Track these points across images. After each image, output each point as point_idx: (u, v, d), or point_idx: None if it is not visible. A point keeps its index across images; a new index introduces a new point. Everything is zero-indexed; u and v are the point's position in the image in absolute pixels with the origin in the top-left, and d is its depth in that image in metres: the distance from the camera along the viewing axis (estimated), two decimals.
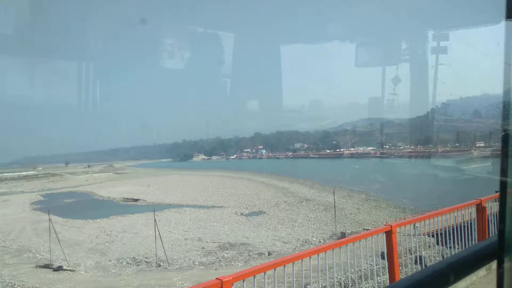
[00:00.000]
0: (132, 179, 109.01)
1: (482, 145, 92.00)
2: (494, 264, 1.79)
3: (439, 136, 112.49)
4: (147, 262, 29.22)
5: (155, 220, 32.94)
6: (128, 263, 29.34)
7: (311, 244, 32.38)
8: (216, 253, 30.85)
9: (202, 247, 32.72)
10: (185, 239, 35.98)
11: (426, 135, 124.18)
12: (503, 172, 1.78)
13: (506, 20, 1.56)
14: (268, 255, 28.51)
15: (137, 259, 30.00)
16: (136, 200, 63.46)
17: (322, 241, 32.64)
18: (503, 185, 1.76)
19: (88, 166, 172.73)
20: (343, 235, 30.78)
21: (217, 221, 43.04)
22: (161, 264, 28.70)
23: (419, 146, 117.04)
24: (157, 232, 34.08)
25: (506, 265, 1.76)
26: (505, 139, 1.92)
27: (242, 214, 47.49)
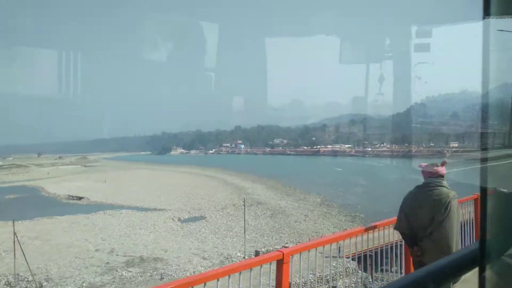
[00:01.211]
0: (96, 173, 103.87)
1: (456, 145, 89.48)
2: (475, 272, 1.72)
3: (415, 135, 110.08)
4: (28, 281, 24.95)
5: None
6: (6, 283, 25.07)
7: (233, 260, 28.48)
8: (117, 270, 26.74)
9: (107, 262, 28.58)
10: (96, 250, 31.81)
11: (403, 133, 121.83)
12: (482, 175, 1.69)
13: (483, 19, 1.54)
14: (160, 279, 24.46)
15: (20, 276, 25.68)
16: (80, 198, 58.94)
17: (246, 257, 28.75)
18: (483, 189, 1.66)
19: (60, 157, 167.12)
20: (257, 253, 26.90)
21: (146, 228, 38.82)
22: (44, 284, 24.50)
23: (394, 145, 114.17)
24: (69, 240, 30.26)
25: (488, 272, 1.68)
26: (483, 141, 1.93)
27: (179, 219, 43.38)
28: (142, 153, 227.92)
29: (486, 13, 1.54)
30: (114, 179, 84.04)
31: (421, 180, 5.10)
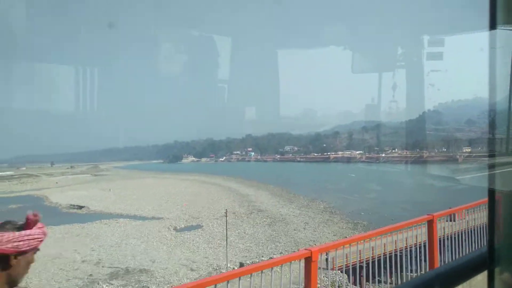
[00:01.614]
0: (104, 182, 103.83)
1: (469, 150, 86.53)
2: (484, 276, 1.80)
3: (427, 141, 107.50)
4: None
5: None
6: None
7: (222, 271, 27.00)
8: (98, 283, 25.54)
9: (90, 274, 27.40)
10: (82, 261, 30.71)
11: (414, 139, 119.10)
12: (491, 179, 1.78)
13: (490, 30, 1.62)
14: None
15: None
16: (81, 207, 58.29)
17: (231, 268, 27.25)
18: (491, 194, 1.74)
19: (71, 167, 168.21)
20: (241, 265, 25.34)
21: (138, 238, 37.61)
22: None
23: (405, 151, 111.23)
24: (58, 250, 29.35)
25: (497, 276, 1.74)
26: (491, 146, 1.99)
27: (175, 228, 42.13)
28: (154, 161, 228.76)
29: (492, 25, 1.57)
30: (119, 188, 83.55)
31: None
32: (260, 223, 43.34)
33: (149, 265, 29.08)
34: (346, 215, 45.04)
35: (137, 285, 24.89)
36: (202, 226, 42.61)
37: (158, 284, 24.80)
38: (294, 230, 39.44)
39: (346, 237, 30.12)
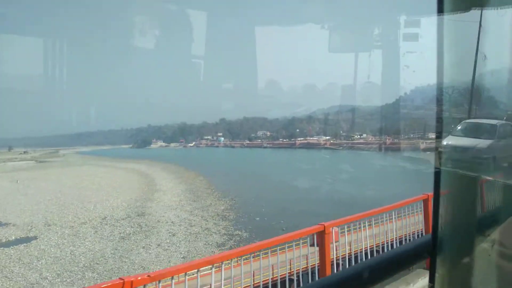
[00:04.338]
0: (40, 171, 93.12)
1: (434, 136, 77.03)
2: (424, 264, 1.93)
3: (395, 126, 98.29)
4: None
5: None
6: None
7: None
8: None
9: None
10: None
11: (386, 124, 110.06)
12: (436, 168, 1.81)
13: (438, 15, 1.64)
14: None
15: None
16: None
17: None
18: (437, 181, 1.79)
19: (24, 152, 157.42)
20: None
21: None
22: None
23: (370, 136, 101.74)
24: None
25: (438, 261, 1.83)
26: (438, 134, 2.00)
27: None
28: (124, 146, 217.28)
29: (440, 9, 1.62)
30: (35, 179, 72.97)
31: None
32: (116, 234, 33.25)
33: None
34: (236, 221, 35.34)
35: None
36: (37, 238, 32.47)
37: None
38: (144, 247, 29.43)
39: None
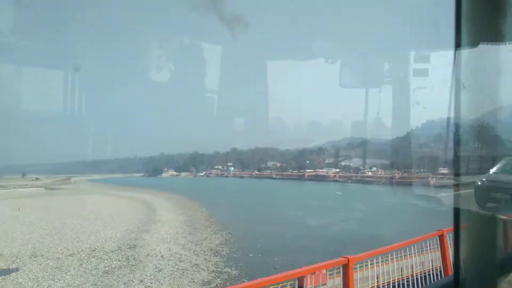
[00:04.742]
0: (42, 198, 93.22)
1: (446, 171, 74.45)
2: None
3: (405, 160, 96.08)
4: None
5: None
6: None
7: None
8: None
9: None
10: None
11: (396, 158, 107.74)
12: (456, 204, 1.72)
13: (455, 50, 1.63)
14: None
15: None
16: None
17: None
18: (456, 219, 1.70)
19: (36, 178, 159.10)
20: None
21: None
22: None
23: (380, 170, 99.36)
24: None
25: None
26: (456, 170, 1.91)
27: None
28: (135, 174, 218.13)
29: (457, 44, 1.59)
30: (37, 207, 72.59)
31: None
32: (105, 266, 31.89)
33: None
34: (228, 257, 33.76)
35: None
36: (18, 270, 31.25)
37: None
38: (125, 283, 27.92)
39: None
